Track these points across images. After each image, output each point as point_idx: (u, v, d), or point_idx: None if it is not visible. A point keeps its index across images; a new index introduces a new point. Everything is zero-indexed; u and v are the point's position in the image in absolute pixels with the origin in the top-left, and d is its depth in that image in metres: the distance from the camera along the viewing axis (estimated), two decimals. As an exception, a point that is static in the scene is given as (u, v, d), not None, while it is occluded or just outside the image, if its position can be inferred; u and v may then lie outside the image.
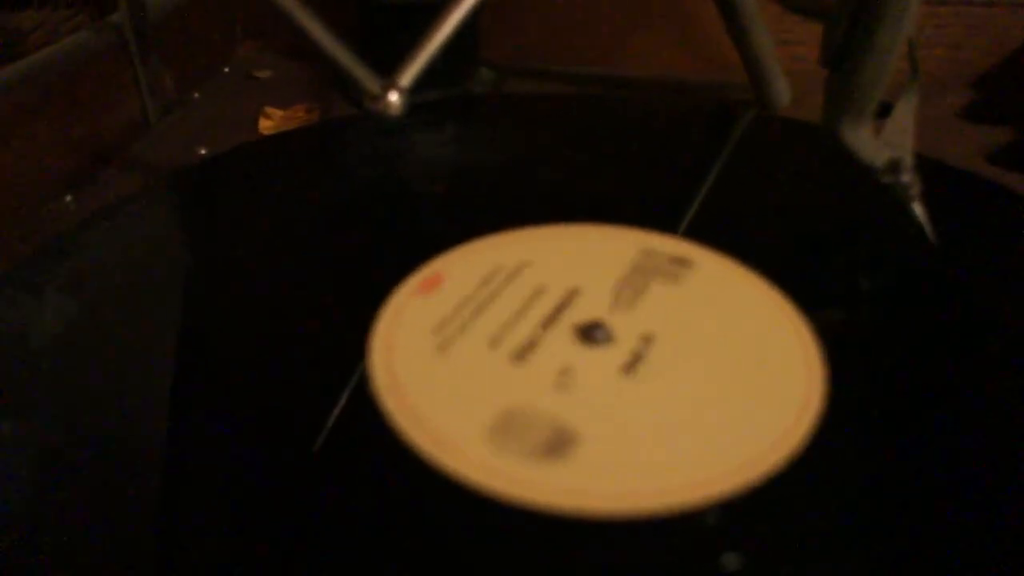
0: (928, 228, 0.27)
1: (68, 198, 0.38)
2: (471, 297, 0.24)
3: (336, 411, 0.21)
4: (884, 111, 0.27)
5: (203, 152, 0.42)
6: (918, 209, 0.27)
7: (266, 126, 0.44)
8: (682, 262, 0.26)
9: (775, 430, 0.20)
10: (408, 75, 0.29)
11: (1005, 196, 0.31)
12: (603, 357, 0.22)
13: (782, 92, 0.43)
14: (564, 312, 0.24)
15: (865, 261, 0.28)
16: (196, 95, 0.49)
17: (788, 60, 0.43)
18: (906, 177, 0.26)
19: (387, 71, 0.31)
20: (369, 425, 0.20)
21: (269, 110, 0.45)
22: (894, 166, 0.26)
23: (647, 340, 0.23)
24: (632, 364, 0.22)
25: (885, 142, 0.26)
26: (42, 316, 0.25)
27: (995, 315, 0.25)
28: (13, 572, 0.17)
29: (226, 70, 0.53)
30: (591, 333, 0.23)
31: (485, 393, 0.21)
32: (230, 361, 0.24)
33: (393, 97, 0.29)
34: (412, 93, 0.31)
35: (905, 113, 0.26)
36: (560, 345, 0.22)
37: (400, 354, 0.22)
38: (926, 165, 0.27)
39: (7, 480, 0.20)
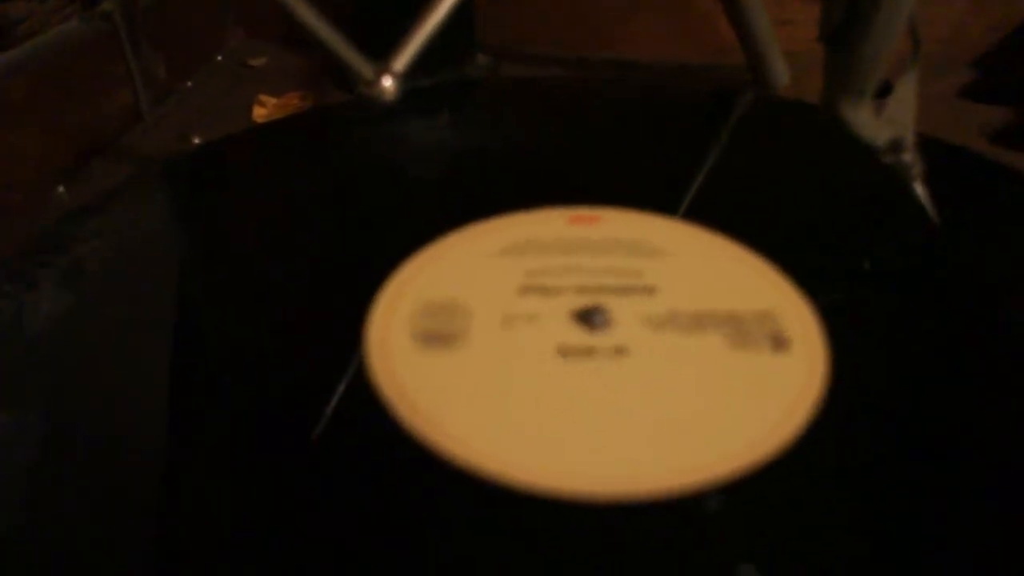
0: (930, 208, 0.27)
1: (60, 189, 0.38)
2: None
3: (334, 399, 0.21)
4: (884, 90, 0.27)
5: (196, 141, 0.41)
6: (920, 189, 0.27)
7: (260, 114, 0.44)
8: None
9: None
10: (402, 60, 0.29)
11: (1007, 176, 0.31)
12: (600, 341, 0.22)
13: (781, 73, 0.43)
14: (565, 295, 0.23)
15: (867, 242, 0.28)
16: (189, 84, 0.49)
17: (787, 41, 0.42)
18: (907, 156, 0.26)
19: (381, 57, 0.31)
20: (367, 411, 0.20)
21: (263, 98, 0.45)
22: (895, 145, 0.26)
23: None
24: (627, 347, 0.22)
25: (886, 121, 0.26)
26: (36, 306, 0.25)
27: (997, 295, 0.25)
28: (12, 561, 0.17)
29: (219, 58, 0.52)
30: (589, 317, 0.22)
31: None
32: (227, 349, 0.23)
33: (387, 82, 0.28)
34: (407, 78, 0.31)
35: (906, 91, 0.26)
36: (557, 326, 0.22)
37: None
38: (927, 144, 0.27)
39: (5, 471, 0.19)
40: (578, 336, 0.22)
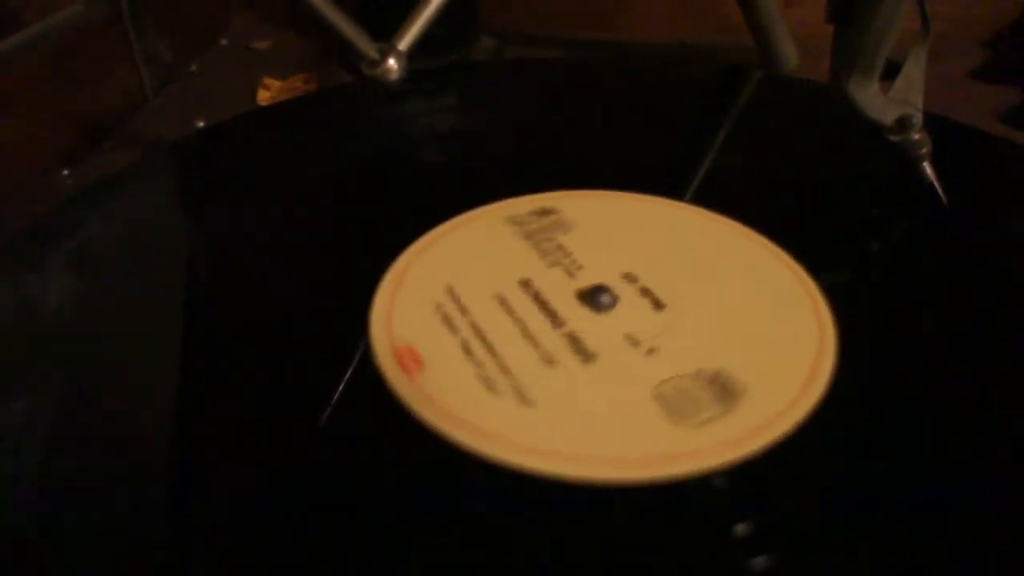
0: (939, 187, 0.26)
1: (65, 172, 0.37)
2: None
3: (342, 383, 0.21)
4: (892, 71, 0.26)
5: (201, 124, 0.41)
6: (928, 168, 0.26)
7: (264, 97, 0.44)
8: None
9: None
10: (407, 39, 0.28)
11: (1018, 155, 0.30)
12: (608, 321, 0.22)
13: (789, 55, 0.42)
14: (574, 277, 0.23)
15: (876, 221, 0.28)
16: (193, 67, 0.48)
17: (795, 24, 0.42)
18: (915, 135, 0.26)
19: (385, 37, 0.30)
20: (373, 394, 0.20)
21: (267, 81, 0.45)
22: (903, 124, 0.26)
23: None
24: (636, 330, 0.21)
25: (894, 99, 0.26)
26: (45, 292, 0.25)
27: (1007, 273, 0.25)
28: (26, 544, 0.17)
29: (224, 42, 0.52)
30: (596, 297, 0.22)
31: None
32: (235, 332, 0.23)
33: (391, 62, 0.28)
34: (411, 59, 0.31)
35: (914, 70, 0.26)
36: (564, 307, 0.22)
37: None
38: (936, 124, 0.27)
39: (18, 456, 0.19)
40: (586, 315, 0.22)
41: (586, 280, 0.23)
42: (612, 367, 0.20)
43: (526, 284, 0.23)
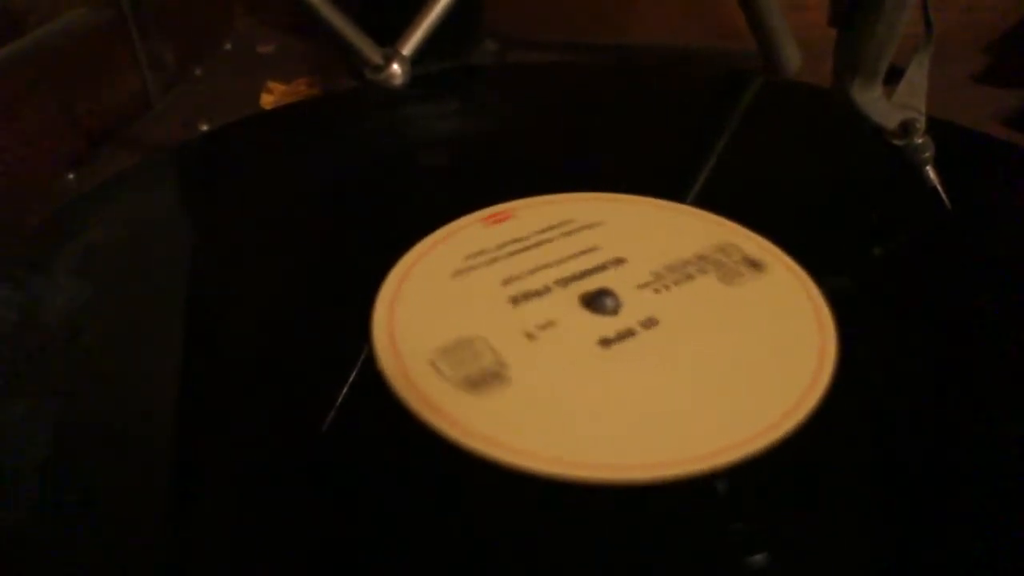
0: (942, 192, 0.26)
1: (70, 176, 0.38)
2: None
3: (344, 389, 0.21)
4: (895, 75, 0.26)
5: (204, 128, 0.41)
6: (931, 173, 0.26)
7: (268, 101, 0.44)
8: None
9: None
10: (410, 44, 0.29)
11: (1020, 158, 0.30)
12: (611, 324, 0.22)
13: (792, 59, 0.42)
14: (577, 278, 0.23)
15: (878, 226, 0.28)
16: (197, 71, 0.48)
17: (799, 27, 0.42)
18: (919, 139, 0.26)
19: (389, 42, 0.30)
20: (376, 397, 0.20)
21: (271, 85, 0.45)
22: (906, 128, 0.26)
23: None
24: (638, 332, 0.21)
25: (897, 104, 0.26)
26: (47, 291, 0.25)
27: (1011, 277, 0.25)
28: (28, 548, 0.17)
29: (228, 46, 0.52)
30: (599, 301, 0.22)
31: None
32: (238, 336, 0.23)
33: (395, 67, 0.28)
34: (415, 64, 0.31)
35: (918, 73, 0.26)
36: (565, 312, 0.22)
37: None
38: (940, 128, 0.27)
39: (21, 459, 0.19)
40: (588, 319, 0.22)
41: (589, 282, 0.23)
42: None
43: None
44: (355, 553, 0.17)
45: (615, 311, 0.22)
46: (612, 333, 0.21)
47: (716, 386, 0.20)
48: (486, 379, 0.20)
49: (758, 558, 0.17)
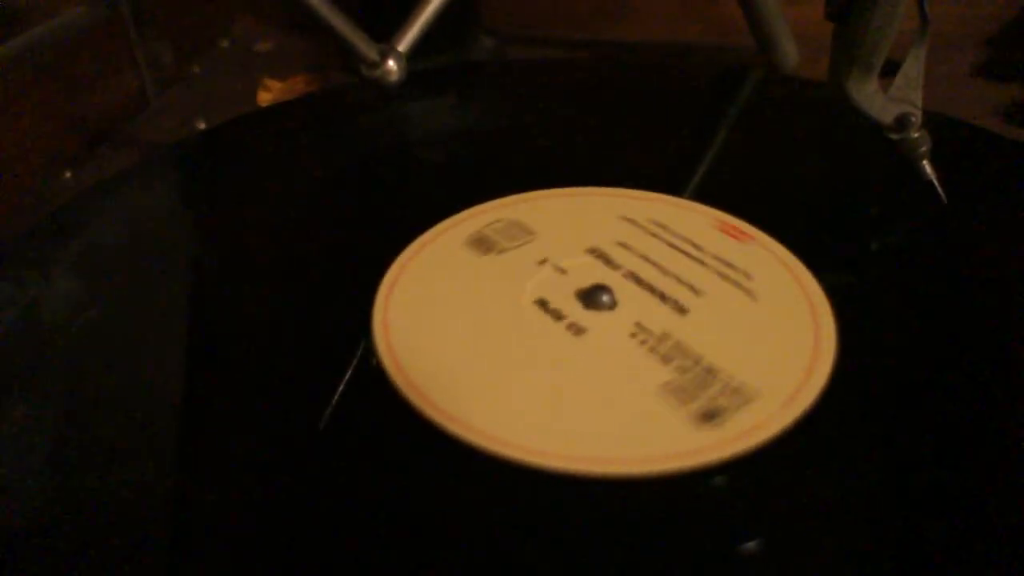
0: (938, 185, 0.26)
1: (68, 174, 0.38)
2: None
3: (341, 386, 0.21)
4: (891, 69, 0.26)
5: (202, 126, 0.41)
6: (927, 166, 0.26)
7: (265, 99, 0.44)
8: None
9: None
10: (406, 40, 0.29)
11: (1018, 152, 0.30)
12: (609, 318, 0.22)
13: (790, 54, 0.42)
14: (569, 275, 0.23)
15: (874, 220, 0.27)
16: (195, 70, 0.48)
17: (798, 22, 0.42)
18: (915, 133, 0.26)
19: (385, 39, 0.30)
20: (374, 393, 0.20)
21: (268, 82, 0.45)
22: (902, 122, 0.26)
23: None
24: (636, 327, 0.21)
25: (893, 98, 0.26)
26: (45, 289, 0.25)
27: (1008, 271, 0.25)
28: (31, 548, 0.17)
29: (225, 44, 0.52)
30: (595, 297, 0.22)
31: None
32: (237, 333, 0.23)
33: (391, 64, 0.28)
34: (411, 61, 0.31)
35: (914, 68, 0.26)
36: (564, 305, 0.22)
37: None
38: (937, 121, 0.26)
39: (23, 460, 0.19)
40: (585, 315, 0.22)
41: (585, 278, 0.23)
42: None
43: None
44: (355, 546, 0.17)
45: (611, 307, 0.22)
46: (608, 328, 0.21)
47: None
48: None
49: (751, 545, 0.17)
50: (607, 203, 0.27)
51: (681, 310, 0.22)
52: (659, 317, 0.22)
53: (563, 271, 0.24)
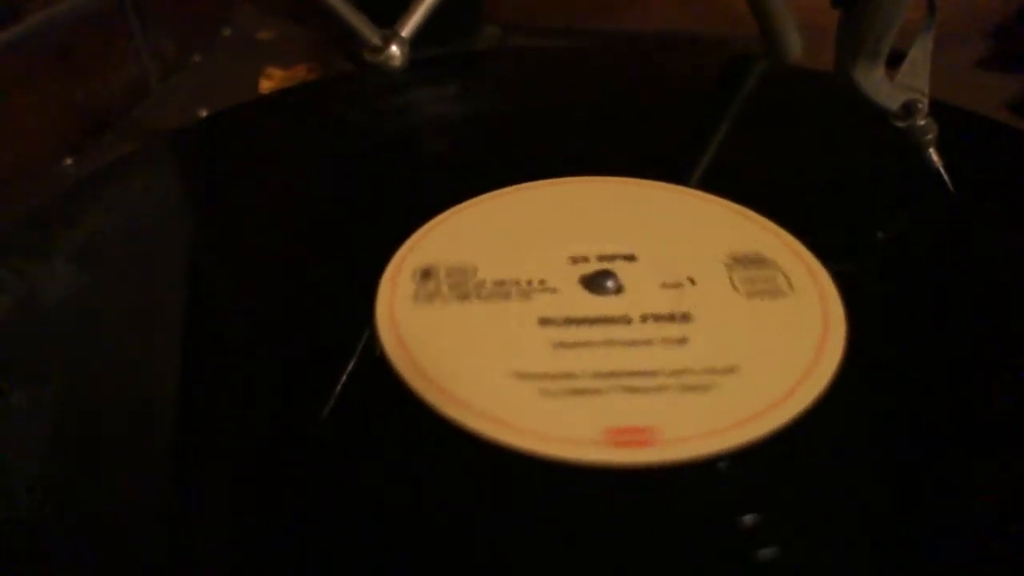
0: (945, 174, 0.26)
1: (68, 162, 0.37)
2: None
3: (343, 378, 0.21)
4: (897, 59, 0.26)
5: (204, 115, 0.41)
6: (934, 155, 0.26)
7: (267, 87, 0.44)
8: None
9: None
10: (409, 25, 0.28)
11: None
12: (613, 304, 0.22)
13: (794, 43, 0.42)
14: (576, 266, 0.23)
15: (882, 209, 0.27)
16: (196, 58, 0.48)
17: (802, 11, 0.42)
18: (921, 120, 0.26)
19: (388, 25, 0.30)
20: (378, 384, 0.20)
21: (270, 70, 0.45)
22: (909, 109, 0.25)
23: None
24: (642, 314, 0.21)
25: (899, 85, 0.26)
26: (48, 282, 0.25)
27: (1012, 261, 0.24)
28: (28, 537, 0.17)
29: (227, 32, 0.52)
30: (600, 282, 0.22)
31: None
32: (238, 323, 0.23)
33: (394, 49, 0.28)
34: (414, 48, 0.30)
35: (921, 55, 0.26)
36: (567, 291, 0.22)
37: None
38: (944, 112, 0.26)
39: (20, 449, 0.19)
40: (590, 301, 0.22)
41: (589, 265, 0.23)
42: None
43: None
44: (361, 537, 0.17)
45: (616, 292, 0.22)
46: (611, 313, 0.21)
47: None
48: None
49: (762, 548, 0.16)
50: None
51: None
52: (664, 303, 0.22)
53: (568, 256, 0.23)
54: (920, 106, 0.25)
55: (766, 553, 0.16)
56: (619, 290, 0.22)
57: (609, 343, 0.20)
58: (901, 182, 0.28)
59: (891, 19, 0.25)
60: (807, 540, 0.17)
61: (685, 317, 0.21)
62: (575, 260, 0.23)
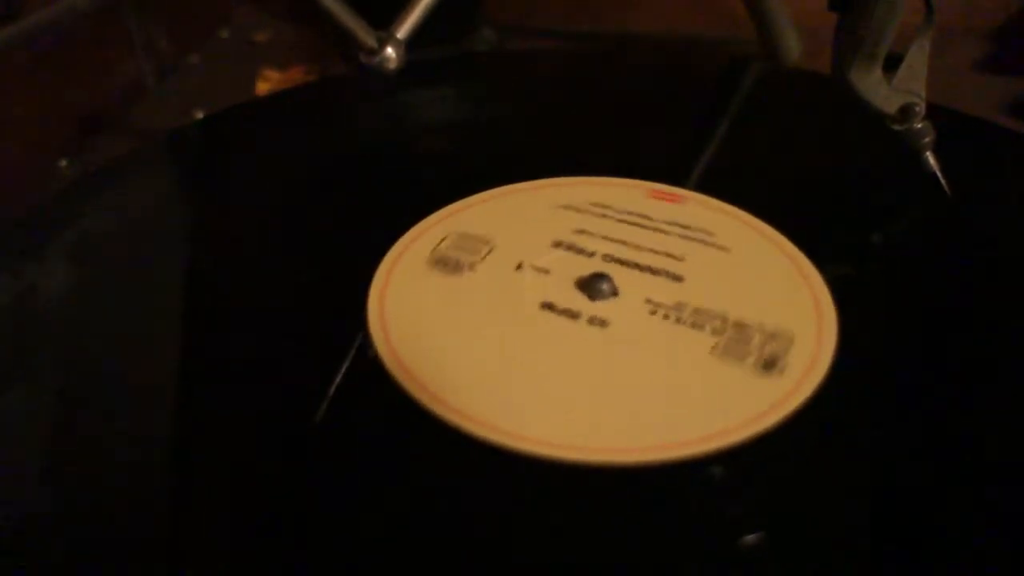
0: (941, 177, 0.26)
1: (63, 162, 0.37)
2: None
3: (337, 378, 0.20)
4: (894, 62, 0.26)
5: (200, 116, 0.41)
6: (931, 158, 0.26)
7: (263, 89, 0.44)
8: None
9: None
10: (405, 28, 0.28)
11: (1022, 145, 0.30)
12: (608, 309, 0.22)
13: (792, 46, 0.42)
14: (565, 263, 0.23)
15: (879, 212, 0.27)
16: (193, 59, 0.48)
17: (799, 14, 0.42)
18: (918, 124, 0.25)
19: (384, 27, 0.30)
20: (372, 385, 0.20)
21: (267, 72, 0.45)
22: (906, 112, 0.25)
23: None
24: (635, 317, 0.21)
25: (896, 88, 0.26)
26: (45, 281, 0.25)
27: (1008, 264, 0.24)
28: (25, 535, 0.17)
29: (224, 34, 0.52)
30: (595, 286, 0.22)
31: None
32: (231, 321, 0.23)
33: (389, 51, 0.28)
34: (411, 50, 0.30)
35: (918, 58, 0.25)
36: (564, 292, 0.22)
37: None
38: (941, 115, 0.26)
39: (17, 445, 0.19)
40: (584, 305, 0.22)
41: (585, 267, 0.23)
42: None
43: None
44: (354, 540, 0.17)
45: (610, 296, 0.22)
46: (606, 317, 0.21)
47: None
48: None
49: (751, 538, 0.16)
50: (538, 196, 0.26)
51: (676, 278, 0.22)
52: (662, 290, 0.22)
53: (545, 271, 0.23)
54: (917, 109, 0.25)
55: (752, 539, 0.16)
56: (612, 293, 0.22)
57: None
58: (898, 185, 0.28)
59: (888, 22, 0.25)
60: (796, 544, 0.17)
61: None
62: (547, 271, 0.23)
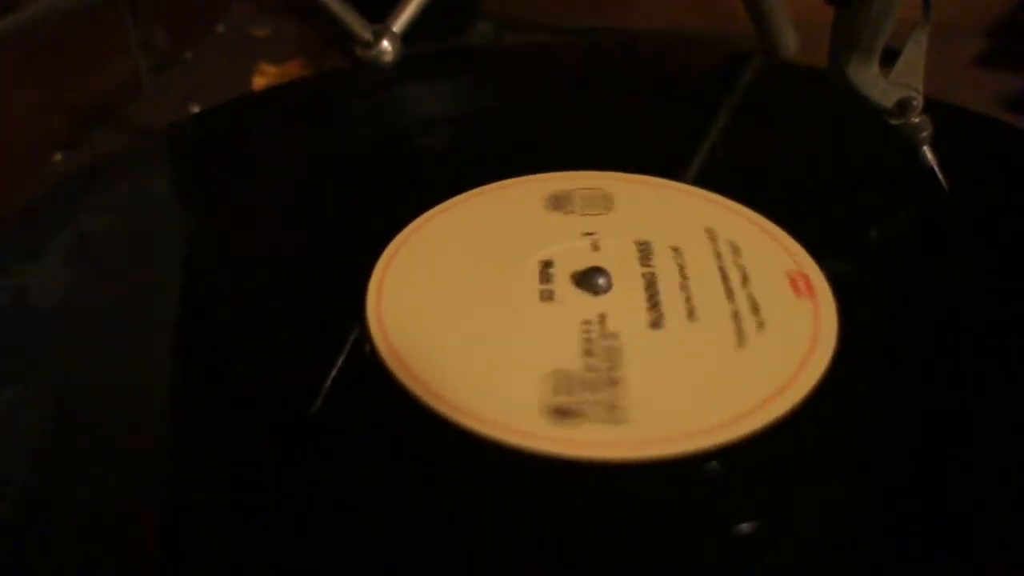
0: (939, 171, 0.26)
1: (58, 158, 0.37)
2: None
3: (333, 372, 0.20)
4: (891, 57, 0.26)
5: (196, 111, 0.41)
6: (928, 153, 0.26)
7: (260, 84, 0.44)
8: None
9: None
10: (401, 20, 0.28)
11: (1022, 141, 0.30)
12: (604, 303, 0.21)
13: (789, 40, 0.42)
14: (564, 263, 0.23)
15: (876, 207, 0.27)
16: (189, 54, 0.48)
17: (797, 9, 0.42)
18: (916, 118, 0.25)
19: (380, 20, 0.30)
20: (366, 383, 0.20)
21: (263, 67, 0.45)
22: (903, 106, 0.25)
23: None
24: (634, 313, 0.21)
25: (894, 82, 0.25)
26: (41, 279, 0.25)
27: (1007, 259, 0.24)
28: (18, 536, 0.17)
29: (220, 29, 0.52)
30: (591, 280, 0.22)
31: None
32: (231, 320, 0.23)
33: (385, 44, 0.28)
34: (407, 44, 0.30)
35: (916, 52, 0.25)
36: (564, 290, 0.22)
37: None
38: (940, 110, 0.26)
39: (11, 445, 0.19)
40: (581, 299, 0.22)
41: (585, 261, 0.23)
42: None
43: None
44: (351, 535, 0.17)
45: (607, 290, 0.22)
46: (605, 311, 0.21)
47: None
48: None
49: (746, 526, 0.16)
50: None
51: (656, 324, 0.21)
52: (627, 320, 0.21)
53: (544, 264, 0.23)
54: (914, 103, 0.25)
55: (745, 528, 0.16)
56: (609, 288, 0.22)
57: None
58: (895, 180, 0.28)
59: (886, 16, 0.24)
60: (796, 540, 0.17)
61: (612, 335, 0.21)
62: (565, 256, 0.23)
